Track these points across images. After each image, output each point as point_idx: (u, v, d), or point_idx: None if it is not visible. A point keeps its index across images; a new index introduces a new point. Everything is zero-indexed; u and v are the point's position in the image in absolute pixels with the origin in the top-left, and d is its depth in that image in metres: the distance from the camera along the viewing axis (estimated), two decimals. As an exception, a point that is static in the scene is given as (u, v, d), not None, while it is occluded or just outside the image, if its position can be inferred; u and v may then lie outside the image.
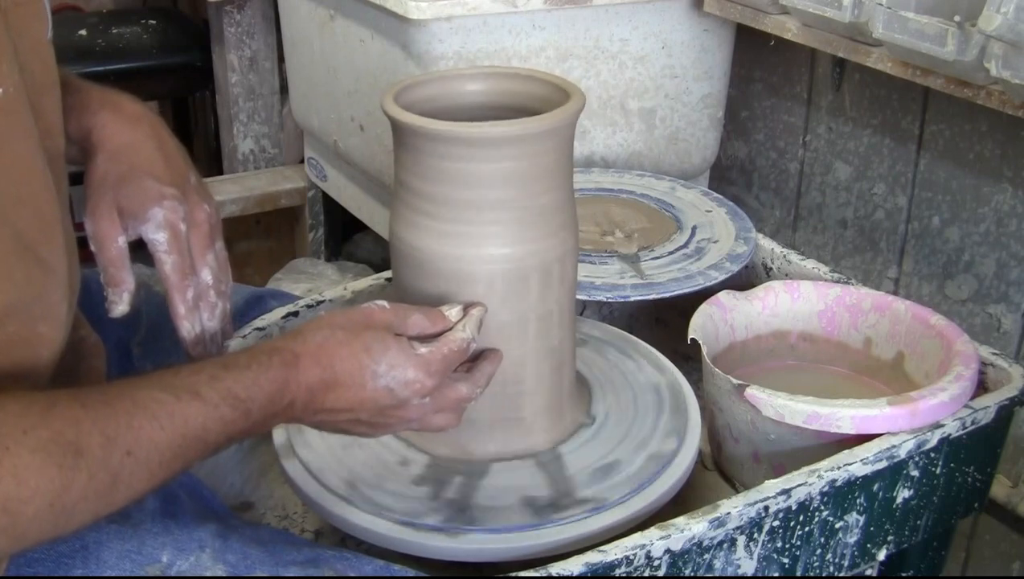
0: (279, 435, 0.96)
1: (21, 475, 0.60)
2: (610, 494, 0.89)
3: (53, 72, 0.74)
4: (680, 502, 0.92)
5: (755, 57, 1.57)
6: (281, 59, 1.97)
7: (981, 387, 1.01)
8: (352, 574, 0.77)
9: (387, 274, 1.15)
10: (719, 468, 1.07)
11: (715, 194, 1.34)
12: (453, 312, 0.84)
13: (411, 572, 0.80)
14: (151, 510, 0.76)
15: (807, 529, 0.90)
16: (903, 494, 0.95)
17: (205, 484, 0.89)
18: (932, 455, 0.95)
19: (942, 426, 0.94)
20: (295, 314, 1.11)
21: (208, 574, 0.73)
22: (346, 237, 2.08)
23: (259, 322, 1.09)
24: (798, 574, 0.92)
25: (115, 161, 0.86)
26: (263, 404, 0.73)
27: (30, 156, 0.67)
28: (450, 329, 0.83)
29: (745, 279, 1.22)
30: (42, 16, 0.73)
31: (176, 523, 0.76)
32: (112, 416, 0.65)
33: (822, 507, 0.90)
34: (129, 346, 1.02)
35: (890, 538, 0.97)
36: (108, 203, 0.85)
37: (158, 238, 0.85)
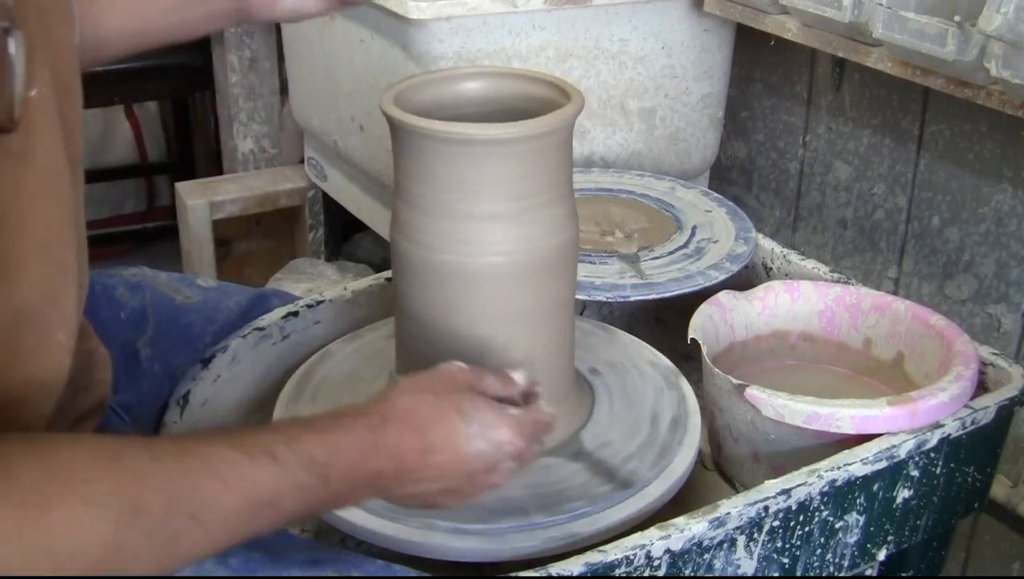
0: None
1: (72, 528, 0.57)
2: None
3: (77, 76, 0.74)
4: (680, 502, 0.92)
5: (755, 57, 1.57)
6: (281, 59, 1.97)
7: (981, 387, 1.01)
8: (355, 573, 0.77)
9: (387, 274, 1.15)
10: (719, 468, 1.07)
11: (715, 194, 1.34)
12: (518, 376, 0.82)
13: (412, 572, 0.80)
14: None
15: (807, 529, 0.90)
16: (903, 494, 0.95)
17: None
18: (932, 455, 0.95)
19: (942, 426, 0.94)
20: (295, 314, 1.11)
21: (209, 576, 0.73)
22: (346, 237, 2.08)
23: (259, 322, 1.09)
24: (798, 574, 0.92)
25: None
26: (344, 471, 0.69)
27: (56, 155, 0.67)
28: (533, 402, 0.80)
29: (745, 279, 1.21)
30: (69, 21, 0.72)
31: None
32: (180, 474, 0.62)
33: (822, 507, 0.90)
34: (136, 347, 1.02)
35: (890, 538, 0.97)
36: None
37: None
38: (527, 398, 0.81)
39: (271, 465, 0.65)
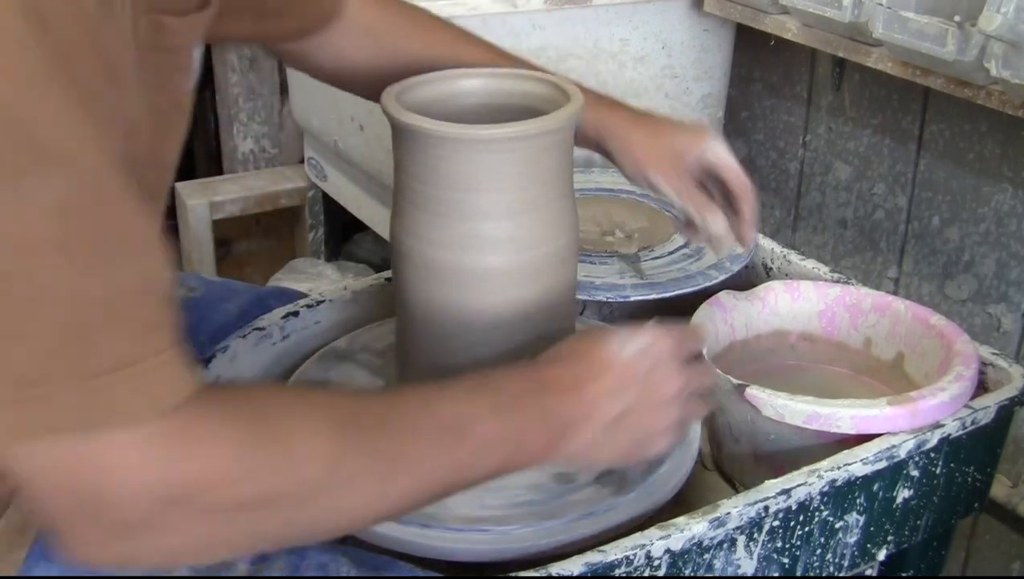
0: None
1: (296, 436, 0.62)
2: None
3: (183, 119, 0.75)
4: (680, 502, 0.92)
5: (755, 57, 1.57)
6: (281, 59, 1.97)
7: (981, 387, 1.01)
8: (366, 571, 0.77)
9: (387, 274, 1.15)
10: (719, 468, 1.07)
11: (715, 194, 1.34)
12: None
13: (415, 572, 0.80)
14: None
15: (807, 529, 0.90)
16: (903, 494, 0.95)
17: None
18: (932, 455, 0.95)
19: (942, 426, 0.94)
20: (295, 314, 1.11)
21: (215, 576, 0.73)
22: (346, 237, 2.08)
23: (259, 322, 1.09)
24: (798, 574, 0.92)
25: None
26: (522, 424, 0.74)
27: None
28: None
29: (745, 279, 1.21)
30: (188, 69, 0.74)
31: None
32: (396, 409, 0.69)
33: (822, 507, 0.90)
34: None
35: (890, 538, 0.97)
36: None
37: None
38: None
39: (457, 402, 0.72)
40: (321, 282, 1.86)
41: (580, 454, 0.78)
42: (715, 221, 0.97)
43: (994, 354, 1.03)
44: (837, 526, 0.92)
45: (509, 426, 0.73)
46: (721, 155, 0.98)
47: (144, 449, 0.57)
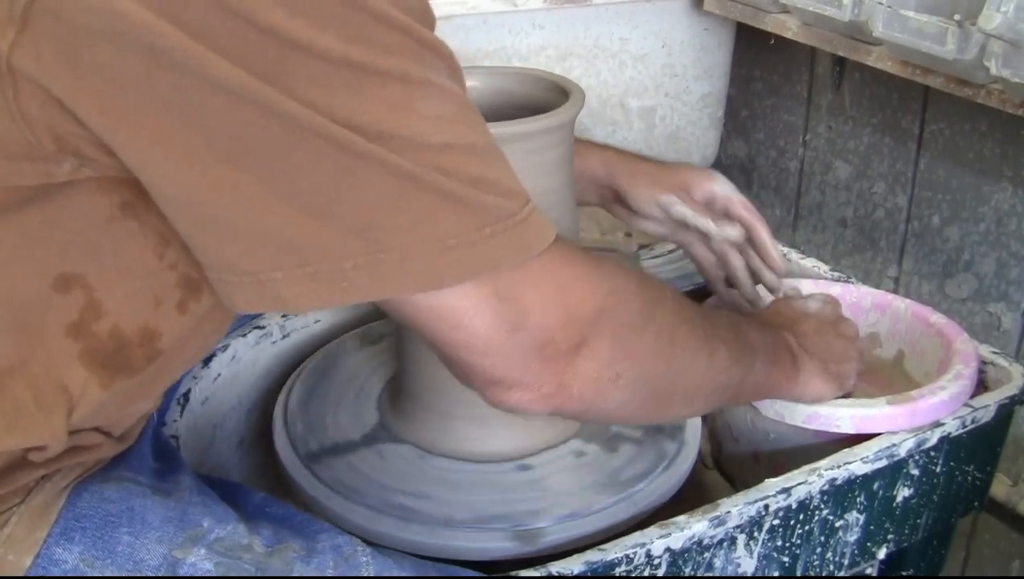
0: (279, 432, 0.97)
1: (670, 300, 0.75)
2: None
3: None
4: (680, 501, 0.92)
5: (755, 56, 1.57)
6: (281, 58, 1.97)
7: (981, 386, 1.01)
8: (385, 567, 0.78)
9: (387, 273, 1.15)
10: (719, 467, 1.07)
11: (715, 193, 1.34)
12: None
13: (414, 570, 0.80)
14: (189, 486, 0.77)
15: (807, 528, 0.90)
16: (903, 493, 0.95)
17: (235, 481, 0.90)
18: (932, 454, 0.95)
19: (942, 425, 0.94)
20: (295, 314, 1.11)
21: (244, 541, 0.74)
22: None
23: (259, 321, 1.09)
24: (798, 573, 0.92)
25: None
26: (771, 357, 0.87)
27: None
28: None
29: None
30: None
31: (213, 500, 0.77)
32: (729, 325, 0.81)
33: (822, 506, 0.90)
34: None
35: (890, 537, 0.97)
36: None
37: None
38: None
39: (755, 355, 0.84)
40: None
41: (809, 389, 0.91)
42: (732, 229, 1.02)
43: (994, 353, 1.03)
44: (837, 525, 0.92)
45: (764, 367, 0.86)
46: (729, 191, 1.02)
47: (572, 268, 0.66)
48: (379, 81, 0.58)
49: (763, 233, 1.02)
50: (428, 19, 0.62)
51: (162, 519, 0.73)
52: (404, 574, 0.77)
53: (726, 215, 1.02)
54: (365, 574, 0.76)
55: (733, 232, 1.02)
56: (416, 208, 0.59)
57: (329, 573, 0.75)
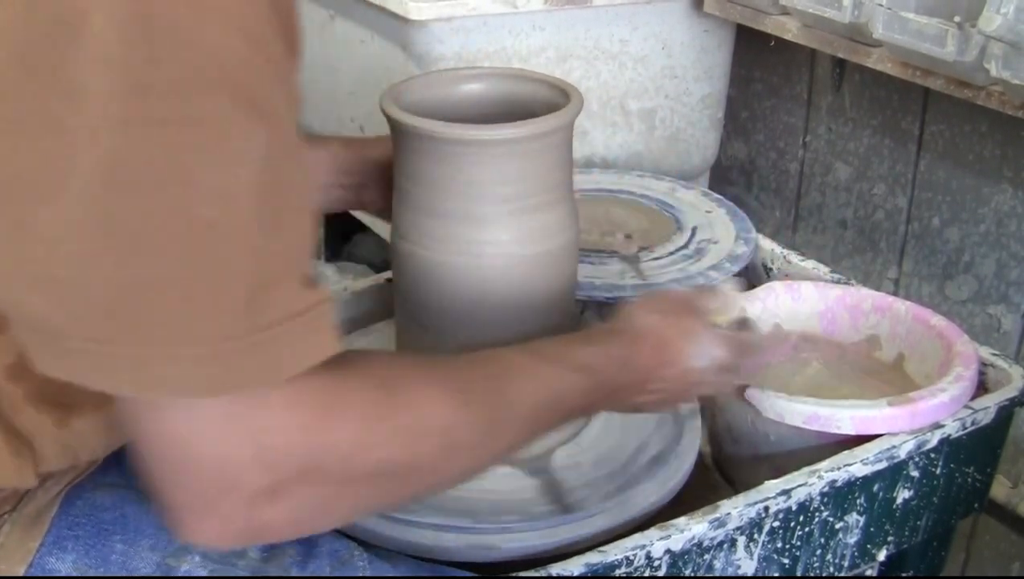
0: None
1: (419, 408, 0.64)
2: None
3: None
4: (680, 502, 0.92)
5: (755, 57, 1.57)
6: (281, 59, 1.97)
7: (981, 388, 1.01)
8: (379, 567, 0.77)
9: (387, 275, 1.15)
10: (719, 468, 1.07)
11: (715, 195, 1.34)
12: (728, 286, 0.97)
13: (413, 570, 0.80)
14: None
15: (807, 529, 0.90)
16: (903, 494, 0.95)
17: None
18: (932, 455, 0.95)
19: (942, 426, 0.94)
20: (295, 315, 1.11)
21: (239, 547, 0.73)
22: (346, 238, 2.08)
23: (259, 323, 1.09)
24: (798, 574, 0.92)
25: None
26: (610, 376, 0.79)
27: None
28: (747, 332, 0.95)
29: (745, 280, 1.21)
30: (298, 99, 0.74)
31: None
32: (492, 371, 0.72)
33: (822, 507, 0.90)
34: None
35: (890, 538, 0.97)
36: None
37: None
38: (741, 324, 0.98)
39: (557, 367, 0.75)
40: (321, 283, 1.86)
41: (614, 409, 0.87)
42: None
43: (994, 355, 1.03)
44: (837, 526, 0.92)
45: (587, 403, 0.79)
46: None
47: (288, 414, 0.58)
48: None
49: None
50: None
51: (156, 526, 0.72)
52: (399, 575, 0.77)
53: None
54: (361, 575, 0.76)
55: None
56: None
57: (326, 573, 0.75)
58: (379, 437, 0.62)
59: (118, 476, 0.75)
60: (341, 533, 0.79)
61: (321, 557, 0.75)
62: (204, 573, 0.72)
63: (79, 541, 0.70)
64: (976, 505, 1.04)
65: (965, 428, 0.95)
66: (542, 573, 0.77)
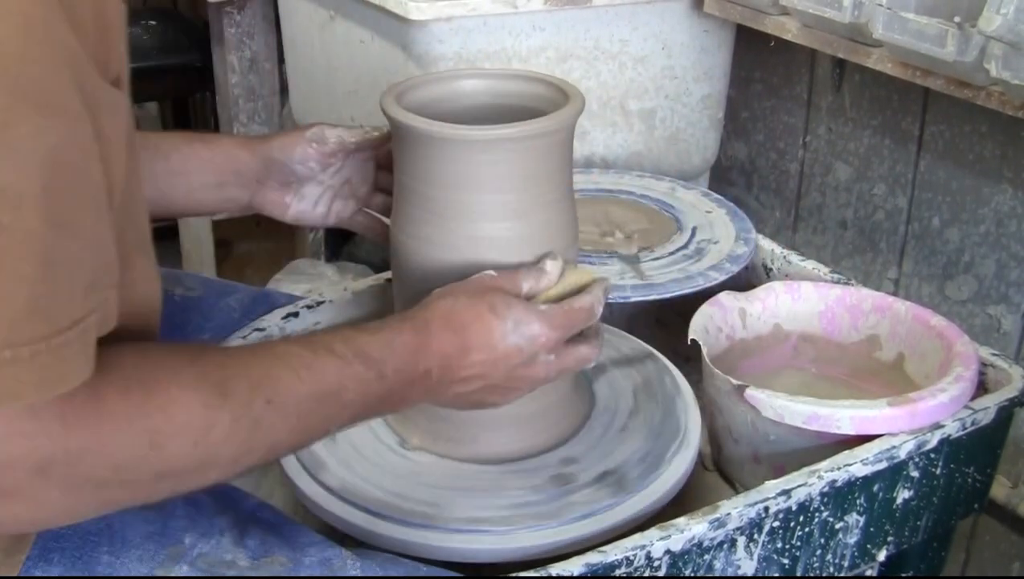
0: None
1: (170, 410, 0.62)
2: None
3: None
4: (680, 503, 0.92)
5: (755, 58, 1.57)
6: (281, 60, 1.97)
7: (981, 388, 1.01)
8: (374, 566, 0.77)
9: (387, 275, 1.15)
10: (719, 469, 1.07)
11: (715, 195, 1.34)
12: (551, 266, 0.86)
13: (412, 570, 0.80)
14: (171, 499, 0.77)
15: (807, 530, 0.90)
16: (903, 495, 0.95)
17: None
18: (932, 456, 0.95)
19: (942, 427, 0.94)
20: (295, 314, 1.11)
21: (228, 556, 0.73)
22: (346, 237, 2.08)
23: (259, 323, 1.09)
24: (798, 574, 0.92)
25: None
26: (397, 367, 0.75)
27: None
28: (576, 296, 0.85)
29: (745, 280, 1.21)
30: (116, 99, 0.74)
31: (197, 510, 0.77)
32: (256, 364, 0.68)
33: (822, 508, 0.90)
34: None
35: (890, 539, 0.97)
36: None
37: None
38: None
39: (332, 358, 0.71)
40: (321, 283, 1.86)
41: (426, 404, 0.82)
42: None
43: (994, 355, 1.03)
44: (837, 527, 0.92)
45: (376, 394, 0.74)
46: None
47: (33, 421, 0.57)
48: None
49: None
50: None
51: (142, 536, 0.73)
52: (387, 574, 0.77)
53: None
54: (353, 574, 0.76)
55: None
56: None
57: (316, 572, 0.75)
58: (125, 439, 0.61)
59: None
60: (335, 537, 0.80)
61: (312, 567, 0.75)
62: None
63: (65, 554, 0.70)
64: (976, 505, 1.04)
65: (965, 428, 0.95)
66: (542, 573, 0.77)
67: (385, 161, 1.01)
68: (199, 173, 0.97)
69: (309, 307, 1.12)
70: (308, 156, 1.00)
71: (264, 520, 0.80)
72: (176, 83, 2.27)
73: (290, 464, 0.93)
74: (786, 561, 0.91)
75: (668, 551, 0.81)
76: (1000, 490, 1.29)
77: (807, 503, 0.89)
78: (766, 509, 0.86)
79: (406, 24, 1.31)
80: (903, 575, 1.05)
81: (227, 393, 0.65)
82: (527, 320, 0.80)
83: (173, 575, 0.72)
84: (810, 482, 0.88)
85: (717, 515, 0.83)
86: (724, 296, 1.10)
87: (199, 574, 0.72)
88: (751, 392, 0.94)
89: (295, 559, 0.75)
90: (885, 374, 1.08)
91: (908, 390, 0.97)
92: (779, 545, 0.89)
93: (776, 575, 0.90)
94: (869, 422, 0.92)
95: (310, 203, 1.02)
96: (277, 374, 0.68)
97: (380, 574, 0.77)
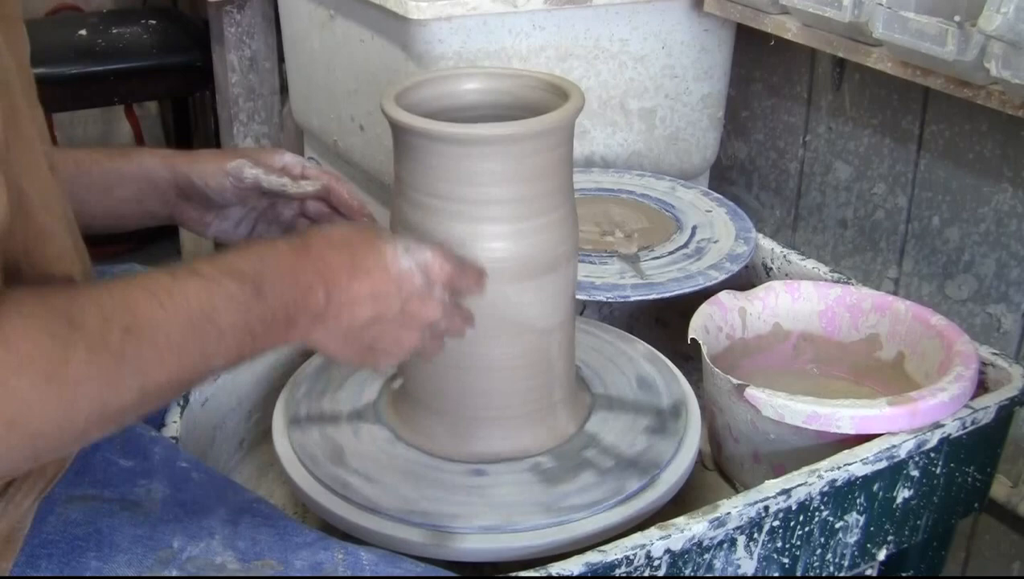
0: (279, 433, 0.97)
1: (11, 341, 0.56)
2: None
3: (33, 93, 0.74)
4: (680, 502, 0.92)
5: (755, 57, 1.57)
6: (281, 59, 1.97)
7: (981, 387, 1.01)
8: (364, 564, 0.77)
9: (387, 274, 1.15)
10: (719, 468, 1.07)
11: (715, 194, 1.34)
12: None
13: (411, 569, 0.80)
14: (161, 498, 0.77)
15: (807, 529, 0.90)
16: (903, 494, 0.95)
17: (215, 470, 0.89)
18: (932, 455, 0.95)
19: (942, 426, 0.94)
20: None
21: (218, 559, 0.73)
22: (346, 237, 2.08)
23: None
24: (798, 574, 0.92)
25: None
26: (274, 282, 0.68)
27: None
28: None
29: (745, 279, 1.22)
30: (24, 39, 0.73)
31: (186, 511, 0.76)
32: (107, 294, 0.62)
33: (822, 507, 0.90)
34: None
35: (890, 538, 0.97)
36: None
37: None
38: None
39: (197, 279, 0.65)
40: (321, 282, 1.86)
41: (316, 344, 0.74)
42: (309, 184, 0.98)
43: (994, 354, 1.03)
44: (837, 526, 0.92)
45: (257, 316, 0.67)
46: (301, 159, 1.00)
47: None
48: None
49: (340, 188, 0.97)
50: None
51: (131, 540, 0.72)
52: (383, 575, 0.77)
53: (302, 177, 0.98)
54: (343, 573, 0.75)
55: (311, 186, 0.97)
56: None
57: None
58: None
59: (90, 486, 0.74)
60: (336, 534, 0.79)
61: (304, 571, 0.75)
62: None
63: (52, 559, 0.70)
64: (976, 505, 1.04)
65: (965, 428, 0.95)
66: (542, 573, 0.77)
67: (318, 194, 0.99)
68: (119, 188, 0.96)
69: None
70: (224, 188, 0.97)
71: (259, 513, 0.80)
72: (176, 82, 2.27)
73: (290, 463, 0.93)
74: (786, 560, 0.91)
75: (668, 550, 0.81)
76: (1000, 489, 1.29)
77: (807, 502, 0.88)
78: (766, 508, 0.86)
79: (406, 23, 1.31)
80: (903, 575, 1.05)
81: (76, 322, 0.59)
82: (418, 247, 0.75)
83: (163, 577, 0.71)
84: (810, 481, 0.88)
85: (717, 514, 0.83)
86: (724, 295, 1.10)
87: (188, 577, 0.72)
88: (751, 391, 0.94)
89: (286, 562, 0.75)
90: (885, 373, 1.08)
91: (908, 389, 0.97)
92: (779, 544, 0.89)
93: (776, 575, 0.90)
94: (869, 421, 0.92)
95: (232, 224, 1.00)
96: (134, 300, 0.62)
97: (372, 575, 0.77)
